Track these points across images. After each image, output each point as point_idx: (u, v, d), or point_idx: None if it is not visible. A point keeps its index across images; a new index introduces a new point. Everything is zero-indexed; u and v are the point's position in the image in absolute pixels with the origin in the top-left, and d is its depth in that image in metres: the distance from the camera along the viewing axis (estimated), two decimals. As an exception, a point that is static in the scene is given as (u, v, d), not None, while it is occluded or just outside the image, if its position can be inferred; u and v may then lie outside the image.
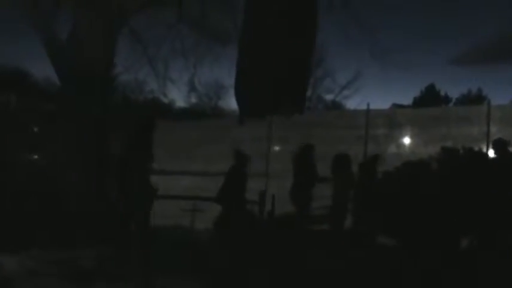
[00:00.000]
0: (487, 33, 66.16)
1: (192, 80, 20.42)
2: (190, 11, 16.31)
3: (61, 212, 10.13)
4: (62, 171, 10.63)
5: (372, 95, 67.96)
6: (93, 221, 9.96)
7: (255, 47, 7.85)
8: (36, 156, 13.66)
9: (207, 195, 13.18)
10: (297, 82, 7.95)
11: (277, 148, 16.41)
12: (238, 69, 8.15)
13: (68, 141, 10.74)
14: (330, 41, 33.13)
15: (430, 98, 47.49)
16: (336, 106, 40.90)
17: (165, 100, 30.58)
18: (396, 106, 33.32)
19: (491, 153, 12.54)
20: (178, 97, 43.32)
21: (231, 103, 44.33)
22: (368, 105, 15.20)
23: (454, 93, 66.03)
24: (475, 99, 44.91)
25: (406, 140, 14.95)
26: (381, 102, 65.23)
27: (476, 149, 10.57)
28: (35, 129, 14.87)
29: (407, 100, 53.62)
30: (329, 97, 42.84)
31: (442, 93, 51.17)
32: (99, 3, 10.60)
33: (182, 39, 16.97)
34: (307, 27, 7.94)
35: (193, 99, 40.82)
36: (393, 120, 15.27)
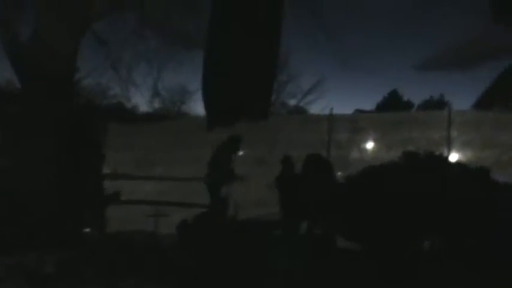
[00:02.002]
0: (450, 40, 67.03)
1: (155, 84, 20.41)
2: (154, 16, 16.27)
3: (21, 215, 10.01)
4: (23, 174, 10.49)
5: (335, 100, 68.24)
6: (54, 223, 9.86)
7: (221, 54, 7.87)
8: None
9: (170, 199, 13.14)
10: (262, 88, 7.98)
11: (241, 152, 16.42)
12: (205, 75, 8.16)
13: (29, 145, 10.60)
14: (293, 45, 33.32)
15: (392, 103, 47.92)
16: (299, 111, 41.06)
17: (129, 104, 30.52)
18: (359, 111, 33.56)
19: (452, 157, 12.76)
20: (141, 101, 43.08)
21: (195, 107, 44.32)
22: (331, 110, 15.34)
23: (417, 98, 66.69)
24: (437, 104, 45.39)
25: (369, 145, 15.08)
26: (344, 107, 65.70)
27: (437, 153, 10.69)
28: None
29: (370, 105, 54.09)
30: (292, 102, 43.02)
31: (405, 98, 51.71)
32: (62, 5, 10.46)
33: (146, 44, 16.94)
34: (272, 33, 7.98)
35: (157, 104, 40.74)
36: (356, 125, 15.40)
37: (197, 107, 51.29)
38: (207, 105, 7.80)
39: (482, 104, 31.27)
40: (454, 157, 13.28)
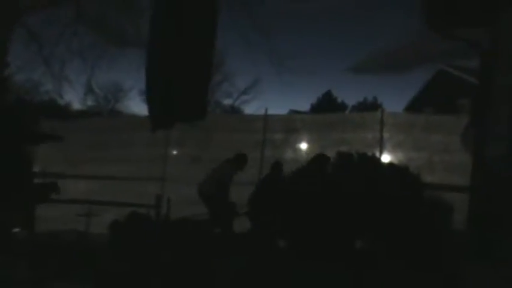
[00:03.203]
0: (384, 44, 68.24)
1: (89, 81, 20.07)
2: (89, 11, 16.01)
3: None
4: None
5: (271, 101, 68.68)
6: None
7: (161, 53, 7.77)
8: None
9: (101, 199, 12.97)
10: (199, 88, 7.92)
11: (174, 152, 16.32)
12: (148, 77, 8.04)
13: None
14: (228, 45, 33.32)
15: (327, 104, 48.51)
16: (234, 110, 41.13)
17: (61, 101, 29.97)
18: (294, 112, 33.83)
19: (384, 158, 12.94)
20: (74, 98, 42.38)
21: (129, 106, 43.90)
22: (266, 110, 15.35)
23: (351, 100, 67.71)
24: (371, 106, 46.15)
25: (303, 145, 15.15)
26: (279, 108, 66.22)
27: (369, 153, 10.83)
28: None
29: (305, 106, 54.49)
30: (228, 101, 43.07)
31: (339, 100, 52.42)
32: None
33: (80, 40, 16.65)
34: (207, 32, 7.93)
35: (90, 101, 40.22)
36: (291, 125, 15.45)
37: (131, 106, 50.89)
38: (151, 108, 7.70)
39: (414, 106, 31.93)
40: (386, 158, 13.47)
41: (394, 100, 77.82)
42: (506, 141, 4.67)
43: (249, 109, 42.78)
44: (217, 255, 8.66)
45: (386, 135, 13.96)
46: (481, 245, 4.95)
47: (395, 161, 12.95)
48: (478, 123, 5.55)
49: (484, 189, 5.13)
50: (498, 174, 4.69)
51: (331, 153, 10.71)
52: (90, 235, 11.25)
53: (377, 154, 12.88)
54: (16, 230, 10.28)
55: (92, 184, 15.19)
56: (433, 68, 33.70)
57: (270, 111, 15.51)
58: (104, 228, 10.32)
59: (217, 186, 11.34)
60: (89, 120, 25.18)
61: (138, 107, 47.18)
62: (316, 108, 47.33)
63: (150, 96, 8.11)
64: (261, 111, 15.63)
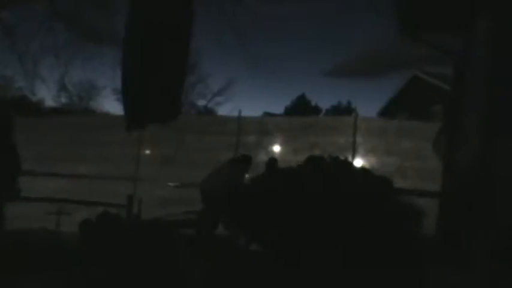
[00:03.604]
0: (359, 48, 68.52)
1: (62, 78, 19.92)
2: (64, 8, 15.89)
3: None
4: None
5: (245, 103, 68.83)
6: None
7: (136, 53, 7.74)
8: None
9: (73, 197, 12.89)
10: (173, 88, 7.90)
11: (147, 152, 16.28)
12: (123, 76, 8.00)
13: None
14: (203, 46, 33.31)
15: (301, 107, 48.61)
16: (208, 112, 41.10)
17: (34, 98, 29.73)
18: (267, 114, 33.88)
19: (357, 162, 13.01)
20: (48, 96, 42.06)
21: (102, 104, 43.68)
22: (239, 112, 15.38)
23: (325, 104, 67.96)
24: (344, 110, 46.32)
25: (276, 148, 15.20)
26: (253, 110, 66.33)
27: (342, 157, 10.88)
28: None
29: (279, 109, 54.62)
30: (202, 103, 43.01)
31: (313, 103, 52.57)
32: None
33: (54, 37, 16.52)
34: (182, 32, 7.92)
35: (64, 99, 39.95)
36: (264, 128, 15.49)
37: (105, 104, 50.66)
38: (126, 108, 7.64)
39: (388, 111, 32.12)
40: (358, 162, 13.55)
41: (369, 105, 78.32)
42: (476, 148, 4.73)
43: (223, 111, 42.79)
44: (188, 256, 8.65)
45: (359, 139, 14.06)
46: (448, 250, 5.01)
47: (368, 166, 13.03)
48: (450, 129, 5.61)
49: (453, 195, 5.20)
50: (468, 181, 4.75)
51: (303, 157, 10.74)
52: (60, 234, 11.17)
53: (349, 158, 12.96)
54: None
55: (63, 182, 15.09)
56: (407, 73, 33.90)
57: (244, 113, 15.58)
58: (75, 227, 10.26)
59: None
60: (61, 118, 24.98)
61: (111, 105, 47.01)
62: (290, 111, 47.38)
63: (126, 95, 8.08)
64: (235, 113, 15.66)
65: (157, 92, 7.66)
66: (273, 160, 11.66)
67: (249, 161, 11.54)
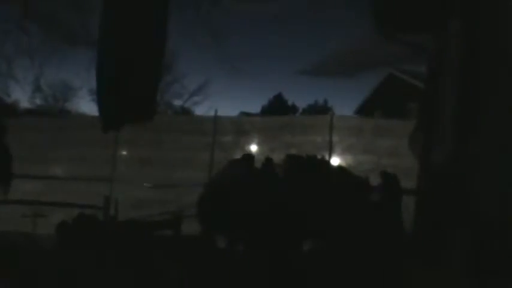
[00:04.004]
0: (336, 47, 68.80)
1: (37, 79, 19.77)
2: (38, 8, 15.77)
3: None
4: None
5: (221, 102, 68.84)
6: None
7: (110, 53, 7.70)
8: None
9: (49, 199, 12.79)
10: (148, 88, 7.87)
11: (124, 153, 16.17)
12: (98, 77, 7.96)
13: None
14: (179, 46, 33.25)
15: (277, 106, 48.67)
16: (184, 112, 40.99)
17: (8, 100, 29.49)
18: (244, 114, 33.86)
19: (333, 161, 13.05)
20: (23, 97, 41.69)
21: (78, 105, 43.40)
22: (216, 111, 15.33)
23: (302, 103, 68.07)
24: (321, 109, 46.45)
25: (253, 147, 15.17)
26: (229, 110, 66.38)
27: (319, 156, 10.93)
28: None
29: (255, 108, 54.60)
30: (178, 102, 42.88)
31: (290, 102, 52.68)
32: None
33: (28, 37, 16.39)
34: (158, 32, 7.90)
35: (39, 100, 39.64)
36: (241, 127, 15.46)
37: (81, 105, 50.32)
38: (101, 109, 7.56)
39: (364, 110, 32.29)
40: (335, 161, 13.59)
41: (345, 103, 78.75)
42: (450, 146, 4.77)
43: (200, 110, 42.69)
44: (165, 258, 8.63)
45: (335, 138, 14.10)
46: (424, 247, 5.05)
47: (345, 164, 13.07)
48: (425, 127, 5.65)
49: (429, 192, 5.24)
50: (443, 178, 4.79)
51: (280, 156, 10.76)
52: (37, 236, 11.10)
53: (326, 157, 12.99)
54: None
55: (39, 184, 14.96)
56: (383, 72, 34.09)
57: (221, 113, 15.51)
58: (51, 229, 10.20)
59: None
60: (36, 119, 24.79)
61: (87, 106, 46.69)
62: (266, 111, 47.44)
63: (101, 96, 8.03)
64: (212, 113, 15.59)
65: (132, 92, 7.63)
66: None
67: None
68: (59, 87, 40.73)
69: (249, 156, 11.48)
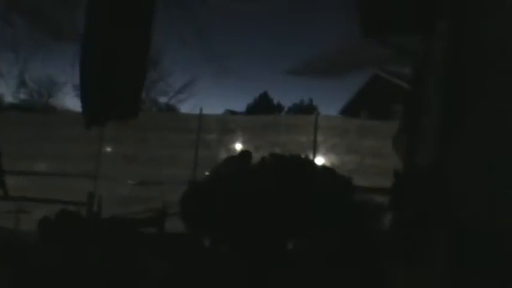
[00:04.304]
0: (322, 47, 68.93)
1: (22, 74, 19.66)
2: (24, 1, 15.69)
3: None
4: None
5: (207, 101, 68.61)
6: None
7: (95, 49, 7.67)
8: None
9: (33, 195, 12.74)
10: (133, 85, 7.85)
11: (108, 149, 16.15)
12: (81, 72, 7.92)
13: None
14: (165, 44, 33.24)
15: (263, 105, 48.67)
16: (170, 109, 40.95)
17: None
18: (229, 112, 33.88)
19: (318, 160, 13.07)
20: (7, 92, 41.44)
21: (63, 100, 43.22)
22: (201, 110, 15.34)
23: (287, 102, 68.16)
24: (306, 109, 46.50)
25: (238, 146, 15.19)
26: (214, 108, 66.34)
27: (303, 155, 10.94)
28: None
29: (241, 107, 54.63)
30: (163, 100, 42.83)
31: (275, 101, 52.72)
32: None
33: (14, 31, 16.29)
34: (143, 29, 7.87)
35: (23, 95, 39.44)
36: (226, 125, 15.48)
37: (66, 101, 50.15)
38: (84, 104, 7.53)
39: (349, 110, 32.36)
40: (319, 160, 13.62)
41: (330, 103, 78.97)
42: (435, 147, 4.79)
43: (185, 108, 42.64)
44: (148, 255, 8.61)
45: (320, 138, 14.15)
46: (405, 247, 5.08)
47: (329, 164, 13.11)
48: (409, 129, 5.67)
49: (411, 193, 5.27)
50: (425, 179, 4.81)
51: (265, 155, 10.76)
52: (20, 232, 11.04)
53: (311, 156, 13.02)
54: None
55: (22, 180, 14.89)
56: (368, 72, 34.20)
57: (206, 111, 15.57)
58: (34, 225, 10.15)
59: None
60: (21, 114, 24.67)
61: (72, 102, 46.48)
62: (252, 109, 47.44)
63: (84, 92, 8.00)
64: (197, 111, 15.60)
65: (116, 88, 7.61)
66: (245, 152, 11.58)
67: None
68: (44, 82, 40.54)
69: (246, 153, 11.46)
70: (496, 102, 4.54)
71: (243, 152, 11.68)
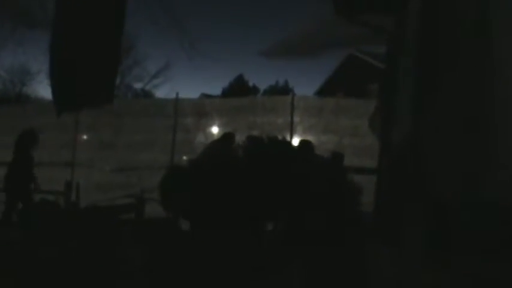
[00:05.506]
0: (296, 28, 68.98)
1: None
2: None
3: None
4: None
5: (182, 85, 68.53)
6: None
7: (65, 36, 7.58)
8: None
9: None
10: (106, 72, 7.78)
11: (84, 137, 16.06)
12: (52, 59, 7.84)
13: None
14: (139, 29, 33.06)
15: (238, 88, 48.66)
16: (145, 94, 40.83)
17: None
18: (205, 96, 33.83)
19: (295, 141, 13.10)
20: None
21: (37, 89, 42.87)
22: (177, 94, 15.27)
23: (263, 84, 68.16)
24: (282, 90, 46.53)
25: (215, 129, 15.17)
26: (190, 92, 66.14)
27: (280, 137, 10.96)
28: None
29: (216, 90, 54.56)
30: (139, 85, 42.68)
31: (251, 84, 52.74)
32: None
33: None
34: (115, 14, 7.80)
35: (-4, 85, 39.07)
36: (202, 109, 15.43)
37: (39, 89, 49.73)
38: (54, 91, 7.42)
39: (325, 90, 32.42)
40: (296, 141, 13.65)
41: (306, 84, 78.92)
42: (409, 126, 4.83)
43: (161, 93, 42.54)
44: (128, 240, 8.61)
45: (297, 119, 14.15)
46: (383, 228, 5.13)
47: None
48: (384, 107, 5.71)
49: (388, 172, 5.31)
50: (401, 158, 4.86)
51: (242, 137, 10.77)
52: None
53: (288, 138, 13.05)
54: None
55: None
56: (343, 52, 34.29)
57: (182, 95, 15.45)
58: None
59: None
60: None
61: (46, 90, 46.16)
62: (227, 92, 47.44)
63: (53, 79, 7.93)
64: (173, 95, 15.54)
65: (87, 75, 7.55)
66: (229, 134, 11.54)
67: (231, 137, 11.39)
68: (16, 72, 40.16)
69: (229, 135, 11.43)
70: (469, 80, 4.59)
71: (225, 134, 11.67)
